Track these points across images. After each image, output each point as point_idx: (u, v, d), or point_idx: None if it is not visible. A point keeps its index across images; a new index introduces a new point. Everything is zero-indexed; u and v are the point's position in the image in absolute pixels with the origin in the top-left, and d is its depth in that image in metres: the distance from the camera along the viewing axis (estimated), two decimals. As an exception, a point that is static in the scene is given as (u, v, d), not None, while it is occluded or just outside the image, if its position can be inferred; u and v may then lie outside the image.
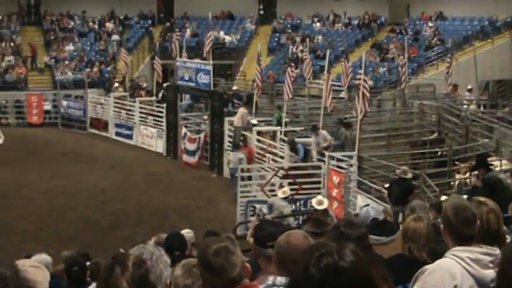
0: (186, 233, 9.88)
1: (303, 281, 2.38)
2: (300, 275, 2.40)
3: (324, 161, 22.04)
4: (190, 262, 4.89)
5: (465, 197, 9.45)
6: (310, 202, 14.84)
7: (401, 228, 7.04)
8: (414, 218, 6.46)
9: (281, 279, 4.28)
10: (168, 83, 32.68)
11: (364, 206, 9.12)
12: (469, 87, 32.56)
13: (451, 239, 4.68)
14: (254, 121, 26.92)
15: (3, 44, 42.32)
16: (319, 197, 14.45)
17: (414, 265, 5.30)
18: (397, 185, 16.78)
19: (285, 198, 17.40)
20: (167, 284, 3.54)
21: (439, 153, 23.48)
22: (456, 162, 21.48)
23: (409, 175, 17.28)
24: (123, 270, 3.32)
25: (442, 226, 4.80)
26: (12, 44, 42.52)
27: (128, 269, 3.32)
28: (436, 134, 26.71)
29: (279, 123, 27.01)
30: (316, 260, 2.39)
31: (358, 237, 5.38)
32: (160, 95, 33.10)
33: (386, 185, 17.72)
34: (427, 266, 4.59)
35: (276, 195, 18.99)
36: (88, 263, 9.03)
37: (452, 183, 20.18)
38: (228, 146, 26.30)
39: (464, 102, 30.96)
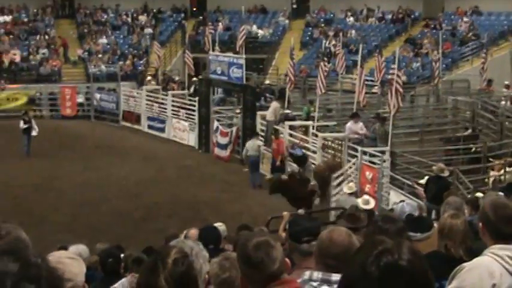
0: (219, 226, 9.87)
1: (361, 279, 2.30)
2: (357, 273, 2.32)
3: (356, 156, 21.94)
4: (225, 254, 4.88)
5: (501, 194, 9.35)
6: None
7: (435, 225, 6.96)
8: (451, 215, 6.36)
9: (317, 274, 4.25)
10: (199, 77, 32.76)
11: (399, 202, 9.04)
12: (506, 82, 32.20)
13: (489, 237, 4.61)
14: (287, 111, 26.99)
15: (37, 37, 42.69)
16: (365, 197, 14.43)
17: (450, 263, 5.24)
18: (434, 183, 16.62)
19: (352, 194, 17.01)
20: (206, 278, 3.53)
21: (473, 149, 23.25)
22: (490, 159, 21.28)
23: (446, 173, 17.11)
24: (164, 266, 3.29)
25: (480, 224, 4.73)
26: (46, 37, 42.86)
27: (170, 266, 3.29)
28: (470, 130, 26.46)
29: (308, 117, 27.05)
30: (375, 258, 2.30)
31: (397, 231, 5.32)
32: (192, 88, 33.19)
33: (421, 181, 17.57)
34: (465, 264, 4.53)
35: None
36: (122, 255, 9.06)
37: (486, 180, 19.97)
38: (260, 139, 26.31)
39: (503, 98, 30.57)
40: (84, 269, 4.35)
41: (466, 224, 6.26)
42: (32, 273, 2.14)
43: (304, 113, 27.93)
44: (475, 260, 4.53)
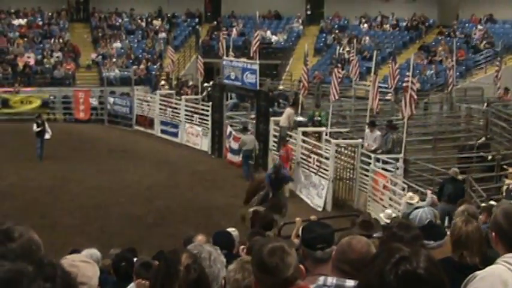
0: (232, 231, 9.85)
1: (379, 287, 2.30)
2: (375, 281, 2.31)
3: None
4: (244, 258, 4.87)
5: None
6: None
7: (449, 233, 6.87)
8: (465, 222, 6.23)
9: (332, 280, 4.24)
10: (211, 82, 32.90)
11: (416, 209, 9.00)
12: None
13: (502, 246, 4.58)
14: (299, 118, 27.04)
15: (52, 41, 42.84)
16: (410, 194, 14.66)
17: (463, 271, 5.20)
18: (451, 184, 16.80)
19: (411, 205, 17.13)
20: (222, 284, 3.50)
21: (490, 157, 23.16)
22: (504, 167, 21.21)
23: (460, 177, 17.31)
24: (177, 274, 3.26)
25: (492, 233, 4.69)
26: (60, 40, 43.01)
27: (183, 273, 3.27)
28: (483, 139, 26.39)
29: (313, 121, 27.13)
30: (392, 266, 2.29)
31: (412, 238, 5.30)
32: (204, 93, 33.22)
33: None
34: (477, 272, 4.49)
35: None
36: (135, 259, 9.05)
37: (502, 188, 19.88)
38: (273, 145, 26.33)
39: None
40: (98, 273, 4.36)
41: (481, 230, 6.18)
42: (47, 272, 2.16)
43: (309, 117, 27.98)
44: (488, 268, 4.50)
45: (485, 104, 29.86)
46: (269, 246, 3.77)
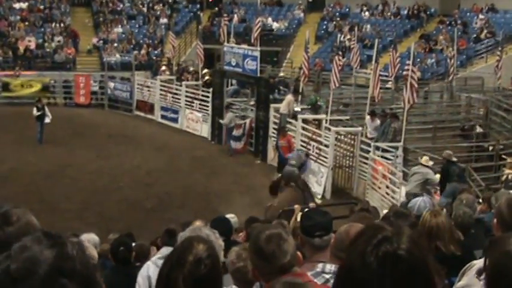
0: (231, 218, 9.86)
1: (359, 269, 2.26)
2: (357, 262, 2.28)
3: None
4: (244, 245, 4.88)
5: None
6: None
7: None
8: (433, 214, 6.28)
9: (330, 267, 4.26)
10: (207, 69, 32.86)
11: (414, 197, 8.99)
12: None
13: (501, 234, 4.62)
14: (298, 108, 26.97)
15: (53, 25, 42.75)
16: (426, 157, 16.56)
17: (443, 261, 5.23)
18: (454, 166, 17.07)
19: (426, 166, 17.46)
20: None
21: (491, 148, 23.17)
22: (504, 156, 21.23)
23: (454, 159, 17.60)
24: (184, 264, 3.14)
25: (495, 220, 4.76)
26: (62, 24, 42.92)
27: (191, 266, 3.14)
28: (478, 128, 26.40)
29: (314, 107, 27.11)
30: (373, 247, 2.26)
31: (409, 226, 5.30)
32: (203, 80, 33.12)
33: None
34: (475, 261, 4.53)
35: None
36: (133, 244, 9.06)
37: (502, 177, 19.89)
38: (273, 132, 26.32)
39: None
40: (96, 257, 4.38)
41: (449, 219, 6.23)
42: (67, 266, 2.04)
43: (311, 101, 27.94)
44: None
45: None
46: (266, 233, 3.77)
